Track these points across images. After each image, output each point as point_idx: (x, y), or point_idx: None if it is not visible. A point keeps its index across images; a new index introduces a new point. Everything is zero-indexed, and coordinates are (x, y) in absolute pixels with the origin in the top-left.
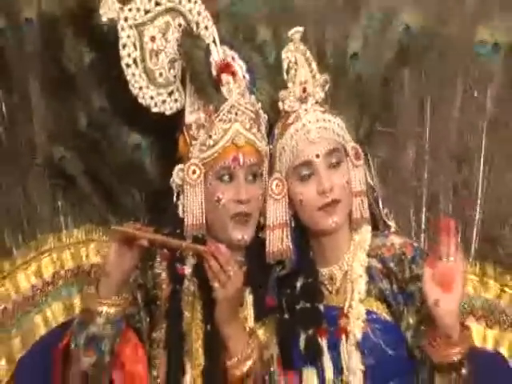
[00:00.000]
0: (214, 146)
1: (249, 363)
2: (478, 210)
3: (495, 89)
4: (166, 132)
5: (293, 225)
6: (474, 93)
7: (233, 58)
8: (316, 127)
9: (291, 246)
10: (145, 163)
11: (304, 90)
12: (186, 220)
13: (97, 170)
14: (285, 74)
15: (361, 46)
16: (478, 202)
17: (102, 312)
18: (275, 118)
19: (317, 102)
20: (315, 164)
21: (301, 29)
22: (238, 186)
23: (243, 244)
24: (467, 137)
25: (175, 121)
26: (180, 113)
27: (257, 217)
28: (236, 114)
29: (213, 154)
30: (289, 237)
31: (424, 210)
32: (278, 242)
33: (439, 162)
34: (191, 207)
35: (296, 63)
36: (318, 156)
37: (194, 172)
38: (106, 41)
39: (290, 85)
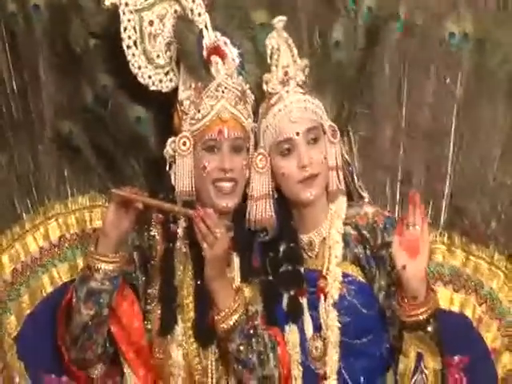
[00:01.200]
0: (201, 119)
1: (235, 317)
2: (447, 184)
3: (464, 75)
4: (164, 107)
5: (275, 196)
6: (445, 79)
7: (225, 43)
8: (296, 107)
9: (273, 215)
10: (145, 135)
11: (286, 74)
12: (176, 187)
13: (101, 142)
14: (268, 58)
15: (342, 34)
16: (448, 177)
17: (100, 268)
18: (262, 98)
19: (298, 85)
20: (295, 141)
21: (283, 18)
22: (222, 156)
23: (227, 211)
24: (439, 118)
25: (172, 96)
26: (176, 90)
27: (242, 186)
28: (223, 91)
29: (201, 127)
30: (271, 207)
31: (398, 183)
32: (261, 211)
33: (413, 141)
34: (181, 175)
35: (278, 49)
36: (298, 134)
37: (184, 143)
38: (108, 24)
39: (273, 68)
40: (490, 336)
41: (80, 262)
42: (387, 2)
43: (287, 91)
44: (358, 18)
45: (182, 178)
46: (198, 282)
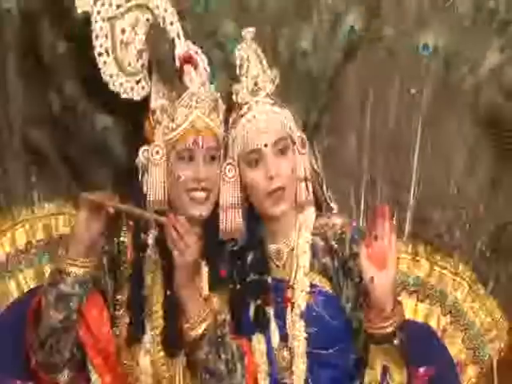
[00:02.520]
0: (176, 129)
1: (204, 325)
2: (411, 194)
3: (430, 87)
4: (134, 115)
5: (245, 205)
6: (411, 90)
7: (196, 52)
8: (265, 118)
9: (242, 225)
10: (113, 144)
11: (255, 84)
12: (148, 196)
13: (68, 150)
14: (238, 69)
15: (310, 44)
16: (412, 187)
17: (71, 272)
18: (232, 107)
19: (267, 95)
20: (264, 152)
21: (253, 29)
22: (196, 166)
23: (201, 219)
24: (404, 129)
25: (140, 105)
26: (146, 98)
27: (215, 194)
28: (196, 101)
29: (175, 137)
30: (240, 216)
31: (363, 193)
32: (231, 221)
33: (378, 151)
34: (154, 184)
35: (248, 59)
36: (266, 145)
37: (157, 152)
38: (79, 32)
39: (242, 79)
40: (455, 348)
41: (46, 268)
42: (369, 18)
43: (256, 102)
44: (327, 28)
45: (154, 187)
46: (168, 292)
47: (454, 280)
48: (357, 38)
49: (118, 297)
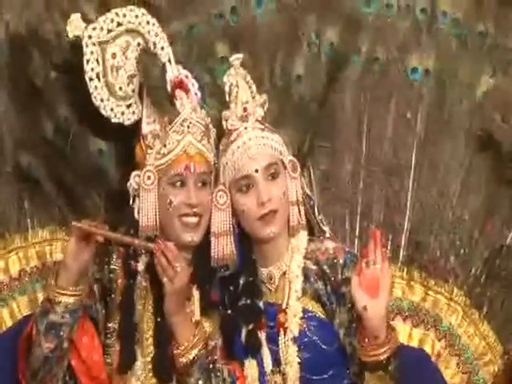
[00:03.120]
0: (167, 154)
1: (194, 352)
2: (406, 219)
3: (425, 110)
4: (126, 139)
5: (236, 231)
6: (406, 113)
7: (186, 77)
8: (255, 144)
9: (234, 251)
10: (106, 168)
11: (245, 110)
12: (140, 221)
13: (61, 175)
14: (227, 95)
15: (303, 69)
16: (407, 212)
17: (61, 301)
18: (223, 132)
19: (257, 120)
20: (254, 177)
21: (240, 56)
22: (188, 191)
23: (193, 245)
24: (399, 153)
25: (134, 129)
26: (138, 123)
27: (207, 220)
28: (188, 126)
29: (166, 162)
30: (232, 243)
31: (358, 217)
32: (222, 248)
33: (373, 175)
34: (145, 210)
35: (237, 86)
36: (257, 171)
37: (148, 178)
38: (70, 56)
39: (232, 105)
40: (450, 372)
41: (40, 296)
42: (349, 37)
43: (246, 128)
44: (320, 53)
45: (146, 212)
46: (158, 318)
47: (448, 305)
48: (339, 57)
49: (110, 324)
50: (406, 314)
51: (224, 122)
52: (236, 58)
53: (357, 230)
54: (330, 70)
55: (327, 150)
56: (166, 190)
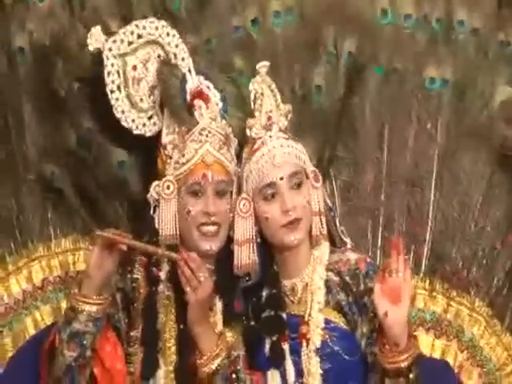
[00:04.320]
0: (186, 163)
1: (217, 361)
2: (428, 230)
3: (445, 121)
4: (147, 150)
5: (259, 240)
6: (426, 124)
7: (208, 87)
8: (280, 152)
9: (257, 260)
10: (128, 179)
11: (269, 119)
12: (160, 231)
13: (84, 185)
14: (252, 103)
15: (323, 79)
16: (429, 222)
17: (84, 310)
18: (245, 142)
19: (280, 130)
20: (279, 185)
21: (267, 63)
22: (206, 200)
23: (211, 254)
24: (420, 164)
25: (155, 140)
26: (160, 133)
27: (226, 229)
28: (207, 135)
29: (185, 171)
30: (255, 252)
31: (380, 228)
32: (245, 256)
33: (395, 186)
34: (165, 219)
35: (262, 94)
36: (281, 178)
37: (168, 187)
38: (93, 68)
39: (256, 114)
40: (472, 383)
41: (63, 305)
42: (367, 47)
43: (270, 136)
44: (339, 63)
45: (166, 221)
46: (181, 326)
47: (470, 316)
48: (357, 67)
49: (132, 333)
50: (429, 325)
51: (248, 131)
52: (263, 66)
53: (379, 241)
54: (348, 80)
55: (348, 160)
56: (184, 200)
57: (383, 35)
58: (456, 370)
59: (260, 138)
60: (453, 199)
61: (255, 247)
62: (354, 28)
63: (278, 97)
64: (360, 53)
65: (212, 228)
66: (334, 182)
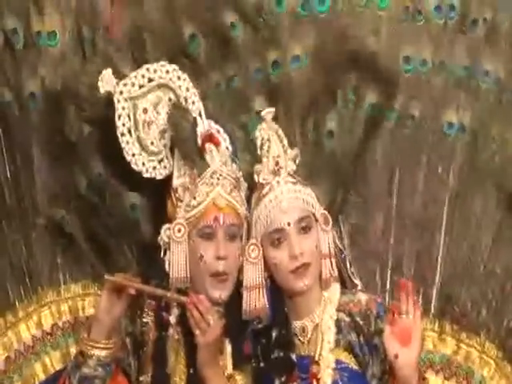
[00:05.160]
0: (197, 206)
1: None
2: (437, 273)
3: (457, 165)
4: (158, 193)
5: (269, 284)
6: (438, 168)
7: (218, 131)
8: (287, 198)
9: (267, 305)
10: (138, 222)
11: (277, 164)
12: (171, 273)
13: (94, 230)
14: (259, 149)
15: (336, 124)
16: (438, 265)
17: (93, 355)
18: (254, 186)
19: (289, 174)
20: (287, 231)
21: (272, 109)
22: (217, 244)
23: (220, 301)
24: (430, 207)
25: (166, 183)
26: (170, 176)
27: (235, 275)
28: (218, 178)
29: (196, 214)
30: (265, 296)
31: (389, 271)
32: (254, 301)
33: (404, 229)
34: (176, 262)
35: (269, 140)
36: (289, 224)
37: (179, 230)
38: (103, 112)
39: (264, 159)
40: None
41: (73, 350)
42: (387, 96)
43: (278, 181)
44: (356, 110)
45: (176, 264)
46: (191, 371)
47: (480, 358)
48: (377, 115)
49: (142, 378)
50: (438, 367)
51: (256, 176)
52: (268, 112)
53: (387, 285)
54: (367, 129)
55: (358, 203)
56: (195, 243)
57: (402, 82)
58: None
59: (268, 183)
60: (462, 242)
61: (264, 292)
62: (378, 78)
63: (285, 142)
64: (382, 104)
65: (223, 277)
66: (343, 225)
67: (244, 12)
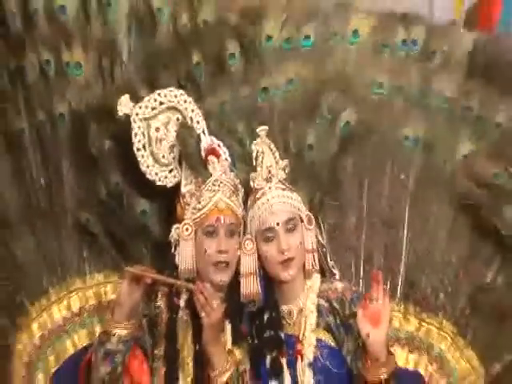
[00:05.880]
0: (202, 209)
1: (227, 374)
2: (402, 263)
3: (415, 172)
4: (168, 199)
5: (261, 274)
6: (399, 175)
7: (218, 145)
8: (277, 202)
9: (260, 290)
10: (149, 224)
11: (269, 172)
12: (180, 266)
13: (113, 230)
14: (254, 160)
15: (315, 139)
16: (402, 257)
17: (116, 334)
18: (250, 191)
19: (279, 181)
20: (276, 229)
21: (266, 127)
22: (219, 240)
23: (222, 284)
24: (395, 207)
25: (171, 192)
26: (178, 185)
27: (234, 264)
28: (219, 185)
29: (201, 215)
30: (258, 282)
31: (362, 263)
32: (250, 286)
33: (373, 227)
34: (184, 256)
35: (263, 152)
36: (278, 224)
37: (187, 229)
38: (121, 131)
39: (258, 168)
40: None
41: (97, 329)
42: (364, 117)
43: (270, 187)
44: (334, 128)
45: (184, 258)
46: (197, 346)
47: (438, 334)
48: (351, 132)
49: (156, 352)
50: (403, 342)
51: (251, 182)
52: (262, 129)
53: (361, 274)
54: (342, 143)
55: (334, 206)
56: (201, 240)
57: (377, 104)
58: (427, 379)
59: (261, 188)
60: (422, 237)
61: (258, 279)
62: (352, 98)
63: (277, 154)
64: (357, 122)
65: (223, 265)
66: (322, 224)
67: (242, 44)
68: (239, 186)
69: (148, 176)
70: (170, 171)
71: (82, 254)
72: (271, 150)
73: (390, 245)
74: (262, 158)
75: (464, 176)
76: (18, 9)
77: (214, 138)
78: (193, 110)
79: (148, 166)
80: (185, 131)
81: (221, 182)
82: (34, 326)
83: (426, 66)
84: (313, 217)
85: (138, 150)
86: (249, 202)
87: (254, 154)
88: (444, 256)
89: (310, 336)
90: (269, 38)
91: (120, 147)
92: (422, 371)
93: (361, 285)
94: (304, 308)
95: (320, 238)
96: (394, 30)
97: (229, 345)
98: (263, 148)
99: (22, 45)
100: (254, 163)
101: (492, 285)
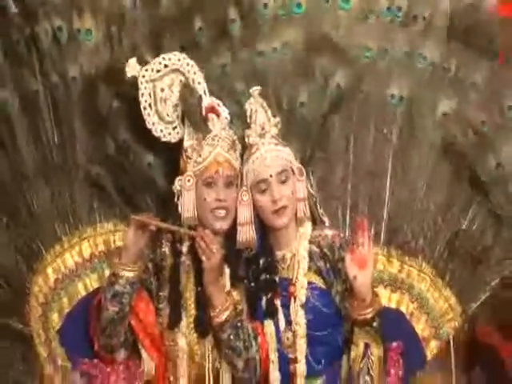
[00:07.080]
0: (202, 162)
1: (226, 313)
2: (385, 210)
3: (398, 127)
4: (172, 154)
5: (256, 222)
6: (383, 129)
7: (218, 105)
8: (270, 156)
9: (255, 237)
10: (155, 177)
11: (262, 129)
12: (182, 214)
13: (121, 182)
14: (248, 118)
15: (307, 97)
16: (385, 205)
17: (123, 276)
18: (246, 146)
19: (272, 137)
20: (269, 181)
21: (259, 88)
22: (218, 190)
23: (222, 231)
24: (378, 160)
25: (175, 146)
26: (181, 141)
27: (233, 212)
28: (218, 140)
29: (201, 168)
30: (253, 230)
31: (348, 211)
32: (246, 234)
33: (359, 178)
34: (186, 205)
35: (256, 111)
36: (271, 176)
37: (188, 180)
38: (128, 91)
39: (252, 125)
40: (420, 327)
41: (106, 273)
42: (353, 79)
43: (263, 143)
44: (325, 88)
45: (187, 207)
46: (199, 288)
47: (419, 275)
48: (341, 93)
49: (161, 293)
50: (387, 282)
51: (246, 138)
52: (255, 90)
53: (347, 221)
54: (333, 103)
55: (323, 159)
56: (201, 190)
57: (365, 67)
58: (408, 317)
59: (256, 144)
60: (404, 187)
61: (253, 227)
62: (342, 61)
63: (269, 112)
64: (347, 84)
65: (222, 211)
66: (311, 176)
67: (241, 11)
68: (237, 142)
69: (154, 133)
70: (174, 128)
71: (93, 205)
72: (264, 109)
73: (374, 194)
74: (256, 116)
75: (451, 125)
76: None
77: (213, 98)
78: (195, 73)
79: (153, 124)
80: (187, 91)
81: (220, 138)
82: (49, 270)
83: (410, 30)
84: (303, 169)
85: (145, 108)
86: (245, 157)
87: (248, 113)
88: (424, 204)
89: (302, 279)
90: (265, 5)
91: (127, 107)
92: (403, 309)
93: (347, 231)
94: (297, 253)
95: (310, 189)
96: None
97: (227, 287)
98: (256, 107)
99: (36, 13)
100: (249, 120)
101: (468, 231)
